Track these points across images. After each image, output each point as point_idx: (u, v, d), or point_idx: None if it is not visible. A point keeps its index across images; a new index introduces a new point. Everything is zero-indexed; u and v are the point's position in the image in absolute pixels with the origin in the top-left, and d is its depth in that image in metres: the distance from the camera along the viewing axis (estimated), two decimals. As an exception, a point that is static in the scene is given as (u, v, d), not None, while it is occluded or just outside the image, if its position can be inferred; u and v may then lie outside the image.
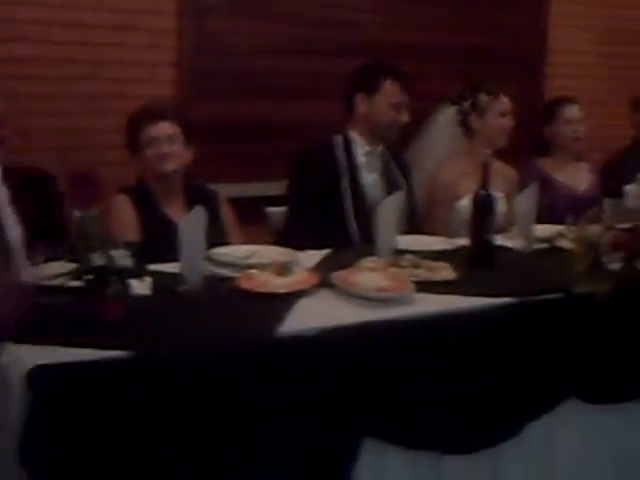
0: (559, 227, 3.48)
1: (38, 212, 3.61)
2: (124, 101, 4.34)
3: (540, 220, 3.56)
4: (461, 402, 2.66)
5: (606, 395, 3.01)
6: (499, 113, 4.34)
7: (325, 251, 3.33)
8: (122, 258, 2.39)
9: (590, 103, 5.27)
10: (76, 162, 4.27)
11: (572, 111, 4.84)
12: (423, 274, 2.96)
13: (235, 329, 2.45)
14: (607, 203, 3.26)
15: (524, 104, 4.58)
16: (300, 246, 3.25)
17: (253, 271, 2.86)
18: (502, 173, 4.33)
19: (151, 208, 3.63)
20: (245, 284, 2.74)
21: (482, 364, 2.70)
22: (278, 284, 2.76)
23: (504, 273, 3.13)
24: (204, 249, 2.84)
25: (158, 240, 3.11)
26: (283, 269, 2.85)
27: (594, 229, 2.93)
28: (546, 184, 4.50)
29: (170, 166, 3.63)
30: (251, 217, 3.96)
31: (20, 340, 2.21)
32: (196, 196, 3.60)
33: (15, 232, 2.61)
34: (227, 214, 3.82)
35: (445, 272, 3.00)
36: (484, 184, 3.21)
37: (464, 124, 4.39)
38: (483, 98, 4.34)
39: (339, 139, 4.03)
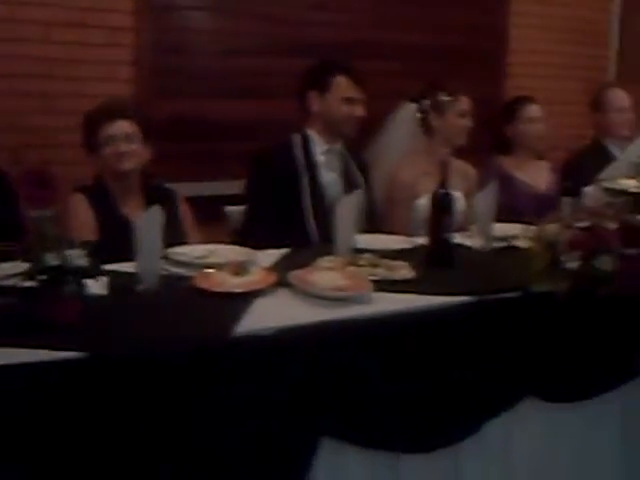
0: (518, 226, 3.49)
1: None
2: (82, 100, 4.30)
3: (500, 219, 3.57)
4: (419, 401, 2.66)
5: (564, 394, 3.02)
6: (459, 113, 4.35)
7: (283, 250, 3.31)
8: (77, 258, 2.37)
9: (550, 103, 5.28)
10: (32, 161, 4.22)
11: (532, 110, 4.88)
12: (382, 273, 2.95)
13: (191, 329, 2.43)
14: (565, 202, 3.26)
15: (484, 103, 4.58)
16: (258, 245, 3.23)
17: (210, 271, 2.85)
18: (462, 172, 4.35)
19: (108, 207, 3.61)
20: (202, 284, 2.73)
21: (440, 363, 2.70)
22: (235, 284, 2.74)
23: (463, 272, 3.13)
24: (161, 248, 2.81)
25: (116, 239, 3.07)
26: (240, 269, 2.84)
27: (552, 228, 2.93)
28: (506, 182, 4.52)
29: (128, 165, 3.62)
30: (210, 216, 3.94)
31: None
32: (154, 195, 3.58)
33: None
34: (185, 213, 3.81)
35: (404, 271, 2.99)
36: (443, 183, 3.21)
37: (424, 123, 4.40)
38: (443, 98, 4.35)
39: (298, 138, 4.03)
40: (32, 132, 4.47)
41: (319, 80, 4.07)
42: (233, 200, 4.08)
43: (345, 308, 2.64)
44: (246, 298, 2.64)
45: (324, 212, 3.76)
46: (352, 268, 2.96)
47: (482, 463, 2.87)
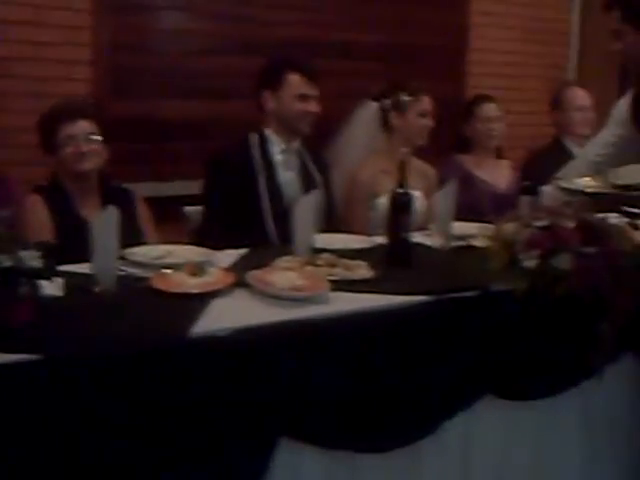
0: (477, 225, 3.49)
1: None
2: (38, 99, 4.26)
3: (460, 217, 3.57)
4: (376, 401, 2.65)
5: (523, 392, 3.02)
6: (419, 113, 4.37)
7: (242, 251, 3.30)
8: (32, 259, 2.34)
9: (511, 101, 5.32)
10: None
11: (489, 109, 4.91)
12: (340, 273, 2.94)
13: (148, 330, 2.41)
14: (523, 201, 3.27)
15: (445, 102, 4.60)
16: (217, 246, 3.21)
17: (167, 271, 2.83)
18: (421, 171, 4.36)
19: (66, 208, 3.60)
20: (159, 284, 2.71)
21: (398, 362, 2.70)
22: (192, 284, 2.73)
23: (421, 271, 3.12)
24: (118, 249, 2.79)
25: (74, 241, 3.04)
26: (197, 269, 2.82)
27: (510, 227, 2.94)
28: (467, 181, 4.54)
29: (89, 164, 3.63)
30: (168, 216, 3.93)
31: None
32: (111, 196, 3.57)
33: None
34: (143, 213, 3.80)
35: (362, 271, 2.98)
36: (401, 182, 3.20)
37: (384, 122, 4.40)
38: (404, 97, 4.36)
39: (255, 137, 4.02)
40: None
41: (271, 79, 4.07)
42: (191, 200, 4.07)
43: (302, 308, 2.62)
44: (203, 299, 2.62)
45: (282, 212, 3.73)
46: (310, 268, 2.95)
47: (441, 462, 2.87)
